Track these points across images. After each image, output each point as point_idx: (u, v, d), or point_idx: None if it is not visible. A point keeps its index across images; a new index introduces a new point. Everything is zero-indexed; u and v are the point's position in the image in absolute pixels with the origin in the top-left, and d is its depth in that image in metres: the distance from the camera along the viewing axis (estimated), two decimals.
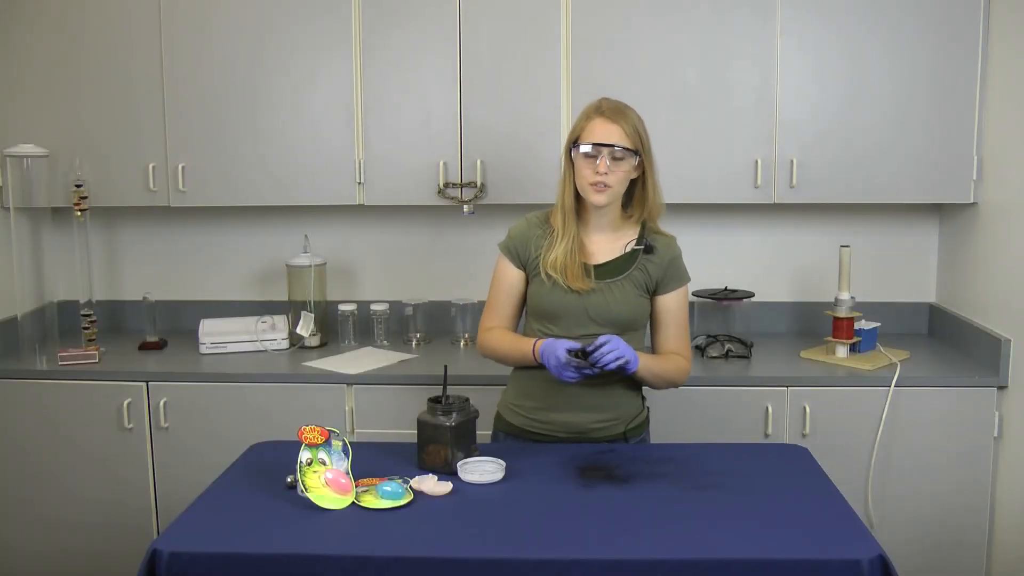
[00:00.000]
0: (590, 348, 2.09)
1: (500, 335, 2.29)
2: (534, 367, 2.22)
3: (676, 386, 2.33)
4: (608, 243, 2.27)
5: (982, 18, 2.93)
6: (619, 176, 2.16)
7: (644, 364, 2.19)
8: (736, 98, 3.02)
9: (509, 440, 2.35)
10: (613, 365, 2.08)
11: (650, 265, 2.26)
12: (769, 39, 2.99)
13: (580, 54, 3.03)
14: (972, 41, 2.95)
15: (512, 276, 2.29)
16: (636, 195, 2.25)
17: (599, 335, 2.12)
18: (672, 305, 2.29)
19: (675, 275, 2.29)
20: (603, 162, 2.13)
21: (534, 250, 2.26)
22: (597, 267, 2.24)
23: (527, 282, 2.29)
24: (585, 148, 2.15)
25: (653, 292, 2.28)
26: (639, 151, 2.17)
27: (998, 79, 2.90)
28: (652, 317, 2.31)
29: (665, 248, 2.28)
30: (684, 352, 2.32)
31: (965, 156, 3.00)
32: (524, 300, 2.32)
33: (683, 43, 3.01)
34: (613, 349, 2.07)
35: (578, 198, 2.24)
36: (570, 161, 2.21)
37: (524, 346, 2.22)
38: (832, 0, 2.97)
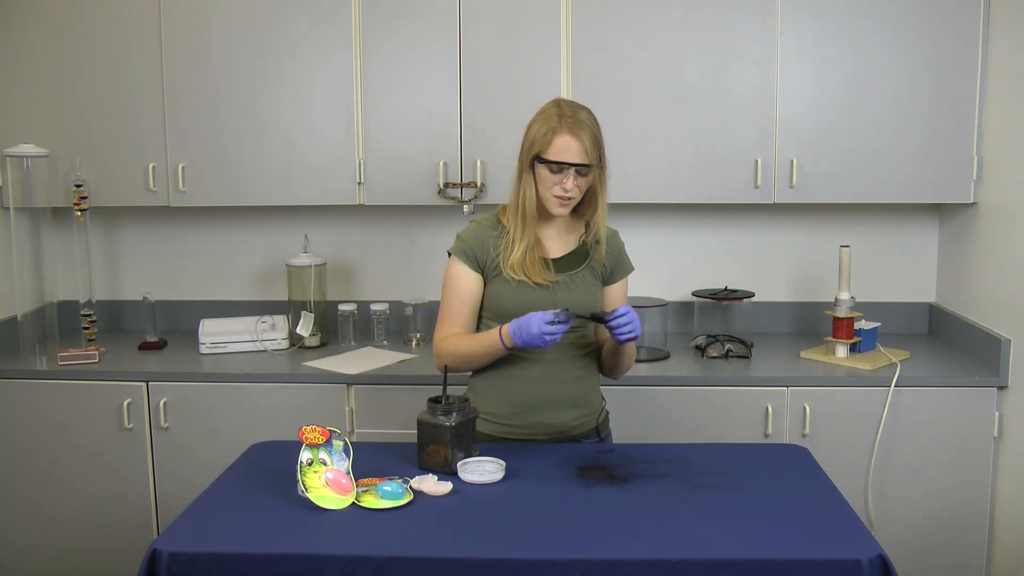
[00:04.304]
0: (609, 319, 2.10)
1: (456, 339, 2.24)
2: (492, 374, 2.24)
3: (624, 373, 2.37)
4: (560, 237, 2.29)
5: (982, 18, 2.93)
6: (582, 188, 2.19)
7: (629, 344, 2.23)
8: (736, 98, 3.02)
9: None
10: (624, 338, 2.11)
11: (603, 256, 2.30)
12: (769, 39, 2.99)
13: (580, 54, 3.03)
14: (972, 41, 2.95)
15: (470, 280, 2.25)
16: (587, 198, 2.24)
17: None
18: (619, 294, 2.37)
19: (623, 264, 2.37)
20: (570, 180, 2.14)
21: (492, 251, 2.24)
22: (555, 261, 2.26)
23: (484, 285, 2.27)
24: (551, 165, 2.14)
25: (605, 281, 2.33)
26: (599, 163, 2.18)
27: (998, 79, 2.90)
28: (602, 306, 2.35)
29: (613, 238, 2.34)
30: None
31: (965, 156, 3.00)
32: (480, 304, 2.29)
33: (683, 43, 3.01)
34: (631, 322, 2.10)
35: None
36: (529, 167, 2.19)
37: (488, 336, 2.18)
38: (832, 0, 2.97)
